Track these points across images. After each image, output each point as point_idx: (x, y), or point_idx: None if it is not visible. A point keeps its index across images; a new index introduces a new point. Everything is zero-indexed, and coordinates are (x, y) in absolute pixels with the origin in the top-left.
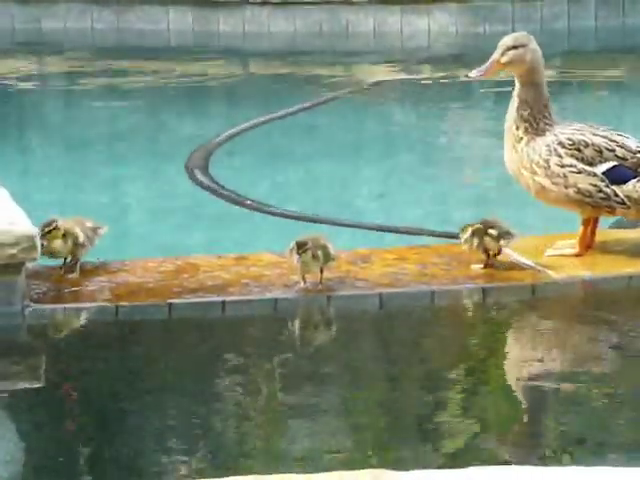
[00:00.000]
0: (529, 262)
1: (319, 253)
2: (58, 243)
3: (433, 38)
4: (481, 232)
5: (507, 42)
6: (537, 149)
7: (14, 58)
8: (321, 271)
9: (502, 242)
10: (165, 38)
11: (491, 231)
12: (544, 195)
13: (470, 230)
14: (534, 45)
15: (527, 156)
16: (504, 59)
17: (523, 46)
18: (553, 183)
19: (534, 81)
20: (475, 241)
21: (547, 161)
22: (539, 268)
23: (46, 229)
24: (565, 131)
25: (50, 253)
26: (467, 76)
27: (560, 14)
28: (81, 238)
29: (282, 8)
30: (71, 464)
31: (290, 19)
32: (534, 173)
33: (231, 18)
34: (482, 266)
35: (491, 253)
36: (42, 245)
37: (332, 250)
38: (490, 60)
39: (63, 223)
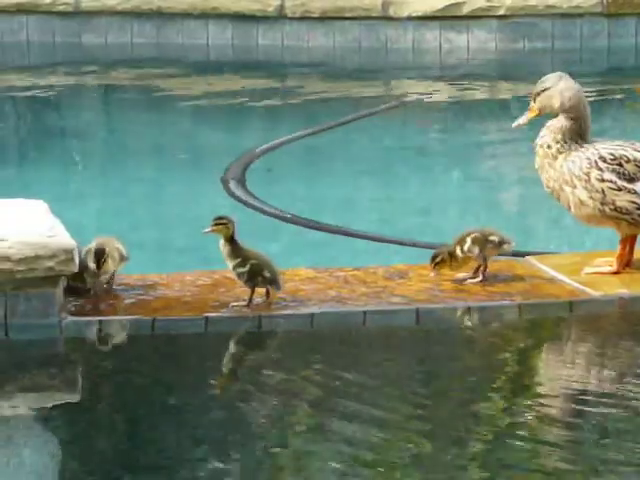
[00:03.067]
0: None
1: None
2: (110, 264)
3: (472, 54)
4: (481, 240)
5: (536, 88)
6: (577, 162)
7: (55, 73)
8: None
9: (505, 247)
10: (204, 52)
11: (492, 238)
12: (582, 210)
13: (469, 239)
14: (563, 85)
15: (568, 170)
16: (535, 105)
17: (549, 89)
18: (591, 197)
19: (572, 117)
20: (476, 250)
21: (588, 174)
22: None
23: (101, 259)
24: (606, 146)
25: (104, 273)
26: (512, 126)
27: (600, 31)
28: (124, 251)
29: (321, 23)
30: (107, 477)
31: (329, 34)
32: (574, 187)
33: (270, 32)
34: (480, 279)
35: (488, 260)
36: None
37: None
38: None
39: (104, 241)
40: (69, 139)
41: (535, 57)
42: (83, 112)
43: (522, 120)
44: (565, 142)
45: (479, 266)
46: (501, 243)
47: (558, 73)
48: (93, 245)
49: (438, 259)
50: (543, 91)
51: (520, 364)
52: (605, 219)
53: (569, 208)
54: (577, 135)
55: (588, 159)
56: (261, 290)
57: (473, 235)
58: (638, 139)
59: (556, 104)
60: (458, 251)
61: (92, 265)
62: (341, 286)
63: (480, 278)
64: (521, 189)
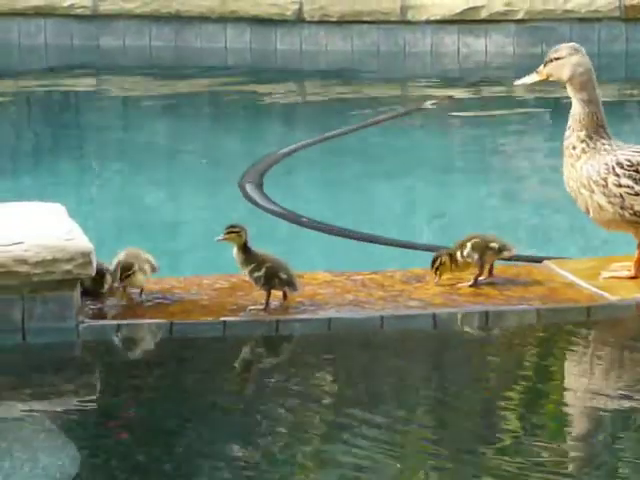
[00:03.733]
0: None
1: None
2: (140, 278)
3: (490, 58)
4: (481, 246)
5: (548, 55)
6: (596, 167)
7: (73, 76)
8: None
9: (505, 254)
10: (222, 56)
11: (493, 244)
12: (601, 215)
13: (469, 244)
14: (576, 59)
15: (586, 174)
16: (544, 70)
17: (562, 58)
18: (610, 202)
19: (583, 97)
20: (475, 255)
21: (605, 179)
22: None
23: (127, 273)
24: (624, 152)
25: (134, 287)
26: (514, 84)
27: (618, 36)
28: (154, 261)
29: (339, 27)
30: None
31: (347, 38)
32: (592, 192)
33: (288, 36)
34: (471, 283)
35: (487, 267)
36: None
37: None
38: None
39: (130, 254)
40: (87, 142)
41: None
42: (101, 116)
43: (526, 80)
44: (590, 138)
45: (489, 271)
46: (501, 250)
47: (573, 44)
48: (122, 258)
49: (437, 263)
50: (556, 59)
51: (539, 369)
52: (625, 224)
53: (587, 212)
54: (598, 126)
55: (606, 164)
56: (278, 293)
57: (474, 240)
58: None
59: (566, 75)
60: (458, 255)
61: (117, 280)
62: (358, 290)
63: (471, 283)
64: (542, 192)
